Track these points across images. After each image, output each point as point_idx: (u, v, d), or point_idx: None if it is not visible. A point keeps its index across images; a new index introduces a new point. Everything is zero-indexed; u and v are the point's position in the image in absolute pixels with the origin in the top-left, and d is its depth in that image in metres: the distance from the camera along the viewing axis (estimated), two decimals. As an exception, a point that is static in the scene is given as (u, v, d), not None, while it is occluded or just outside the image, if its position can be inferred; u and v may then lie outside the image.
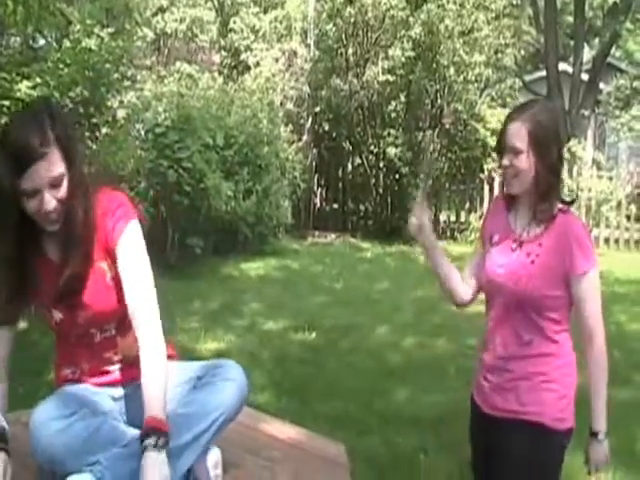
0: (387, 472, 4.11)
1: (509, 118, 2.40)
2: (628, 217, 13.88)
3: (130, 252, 2.15)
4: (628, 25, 18.99)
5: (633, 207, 13.78)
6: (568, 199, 2.46)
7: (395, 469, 4.17)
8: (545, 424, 2.39)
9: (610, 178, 13.88)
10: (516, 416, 2.41)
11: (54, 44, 7.41)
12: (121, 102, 8.78)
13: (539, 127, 2.33)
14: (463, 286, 2.62)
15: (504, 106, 17.34)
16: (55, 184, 2.03)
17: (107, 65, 7.70)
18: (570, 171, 13.15)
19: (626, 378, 5.88)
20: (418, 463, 4.19)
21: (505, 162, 2.37)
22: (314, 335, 6.84)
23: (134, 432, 2.07)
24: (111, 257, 2.16)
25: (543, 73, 17.76)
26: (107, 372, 2.29)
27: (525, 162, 2.33)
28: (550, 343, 2.40)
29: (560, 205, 2.41)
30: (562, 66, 17.17)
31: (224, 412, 2.12)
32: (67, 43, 7.47)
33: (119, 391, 2.30)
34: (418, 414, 4.97)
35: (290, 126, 13.52)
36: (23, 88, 6.46)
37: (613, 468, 4.16)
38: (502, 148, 2.39)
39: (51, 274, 2.14)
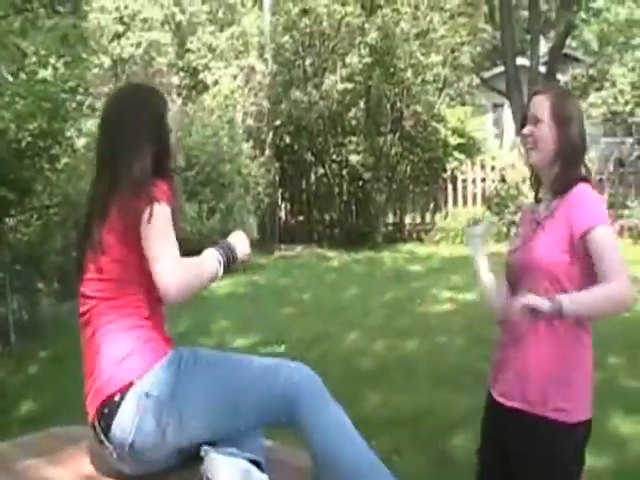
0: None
1: (533, 93, 2.45)
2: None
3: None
4: (583, 15, 19.25)
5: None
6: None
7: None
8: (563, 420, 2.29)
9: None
10: (533, 410, 2.30)
11: (9, 78, 7.39)
12: (79, 131, 8.73)
13: (560, 99, 2.37)
14: None
15: (463, 104, 17.53)
16: None
17: (63, 95, 7.69)
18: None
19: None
20: (391, 464, 4.21)
21: (525, 131, 2.39)
22: (283, 347, 6.85)
23: None
24: None
25: (502, 69, 17.86)
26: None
27: (545, 131, 2.34)
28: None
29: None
30: (520, 60, 17.25)
31: None
32: (22, 75, 7.48)
33: None
34: (392, 415, 4.99)
35: (251, 142, 13.57)
36: (-20, 123, 6.48)
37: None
38: (525, 121, 2.42)
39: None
